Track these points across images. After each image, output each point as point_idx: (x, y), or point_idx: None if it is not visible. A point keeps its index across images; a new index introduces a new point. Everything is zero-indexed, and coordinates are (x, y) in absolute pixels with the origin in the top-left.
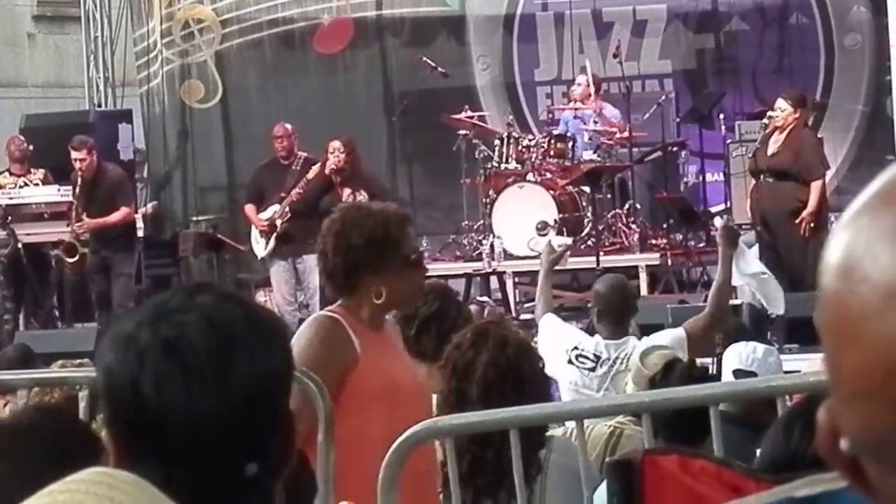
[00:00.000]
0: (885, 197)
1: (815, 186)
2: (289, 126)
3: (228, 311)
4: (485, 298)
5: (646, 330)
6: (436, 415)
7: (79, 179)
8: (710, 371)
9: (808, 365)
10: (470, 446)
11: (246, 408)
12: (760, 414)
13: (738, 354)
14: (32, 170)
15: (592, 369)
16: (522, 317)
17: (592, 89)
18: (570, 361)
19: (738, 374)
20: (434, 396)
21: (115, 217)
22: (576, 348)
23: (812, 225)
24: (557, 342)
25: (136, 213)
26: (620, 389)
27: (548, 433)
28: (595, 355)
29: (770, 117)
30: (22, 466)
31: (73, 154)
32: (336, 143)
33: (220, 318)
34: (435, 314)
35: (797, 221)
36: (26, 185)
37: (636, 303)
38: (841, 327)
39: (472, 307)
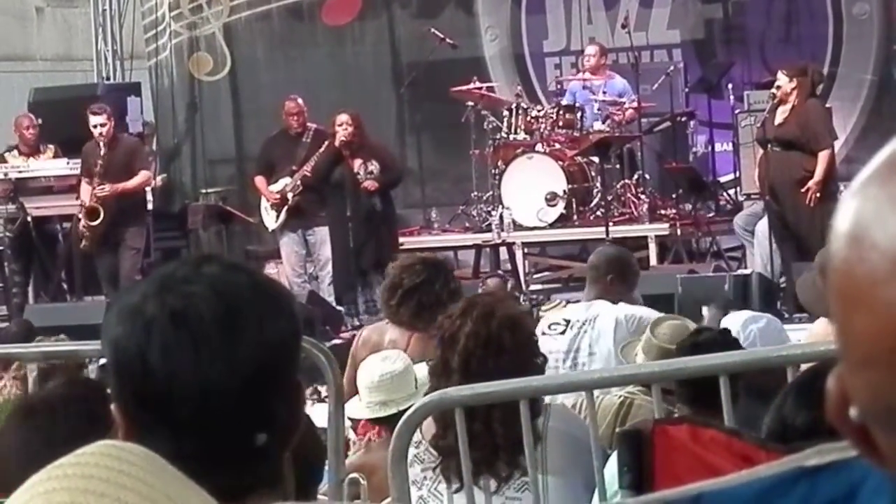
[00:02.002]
0: (893, 165)
1: (823, 156)
2: (300, 101)
3: (235, 280)
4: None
5: (656, 300)
6: (428, 385)
7: (99, 146)
8: None
9: (805, 336)
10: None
11: (254, 377)
12: (772, 383)
13: (737, 321)
14: (42, 147)
15: (562, 333)
16: (532, 287)
17: (604, 60)
18: (543, 333)
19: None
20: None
21: (135, 181)
22: (550, 322)
23: (819, 194)
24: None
25: (154, 178)
26: (583, 349)
27: (545, 401)
28: (565, 320)
29: (777, 86)
30: (52, 438)
31: (93, 119)
32: (343, 117)
33: (227, 287)
34: (418, 286)
35: (804, 191)
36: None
37: (634, 273)
38: (850, 294)
39: (493, 280)
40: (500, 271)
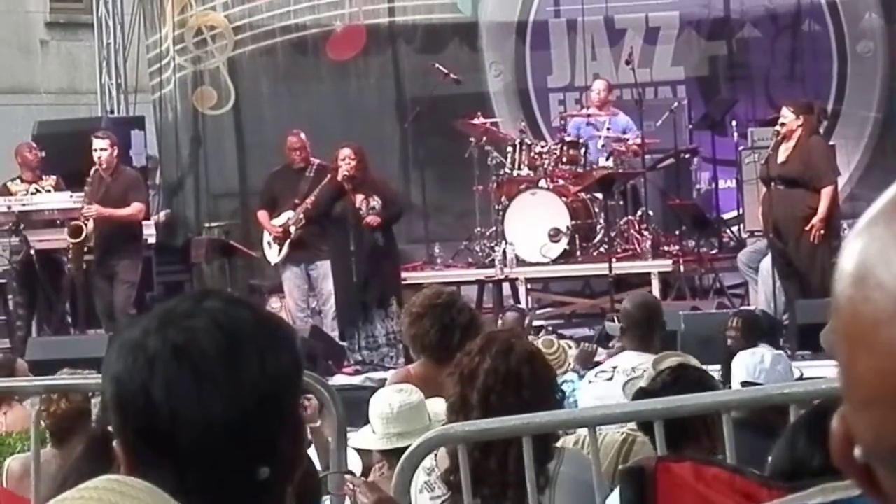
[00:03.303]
0: None
1: (826, 193)
2: (303, 135)
3: (236, 314)
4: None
5: None
6: (446, 421)
7: (98, 172)
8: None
9: (808, 373)
10: (472, 454)
11: (257, 411)
12: (773, 420)
13: (746, 366)
14: (44, 176)
15: (610, 378)
16: (535, 323)
17: (607, 96)
18: (590, 382)
19: (745, 385)
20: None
21: (124, 211)
22: (595, 368)
23: (822, 232)
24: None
25: (149, 216)
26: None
27: (558, 444)
28: (612, 366)
29: (782, 124)
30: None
31: (96, 143)
32: (346, 151)
33: (229, 322)
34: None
35: (807, 228)
36: (38, 191)
37: (662, 321)
38: (854, 334)
39: (511, 314)
40: (518, 305)
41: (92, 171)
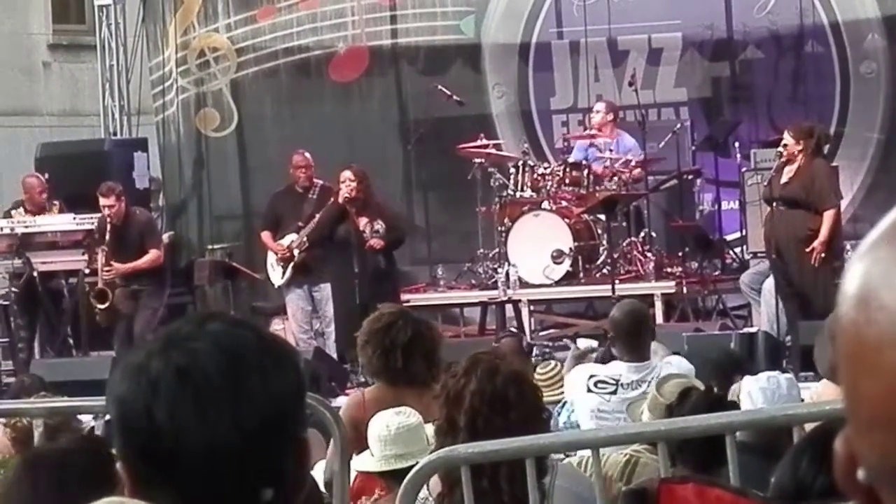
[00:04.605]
0: None
1: (828, 215)
2: (308, 155)
3: (239, 336)
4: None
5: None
6: (435, 444)
7: (107, 225)
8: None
9: (808, 394)
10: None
11: (260, 432)
12: (777, 442)
13: (763, 392)
14: (47, 205)
15: (613, 392)
16: (538, 345)
17: (611, 117)
18: (589, 390)
19: None
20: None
21: (144, 261)
22: (592, 376)
23: (823, 254)
24: (576, 379)
25: (165, 260)
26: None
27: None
28: (613, 379)
29: (784, 145)
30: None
31: (102, 201)
32: (347, 173)
33: (232, 343)
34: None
35: (808, 250)
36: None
37: (652, 326)
38: (858, 356)
39: (508, 339)
40: (513, 329)
41: (102, 221)
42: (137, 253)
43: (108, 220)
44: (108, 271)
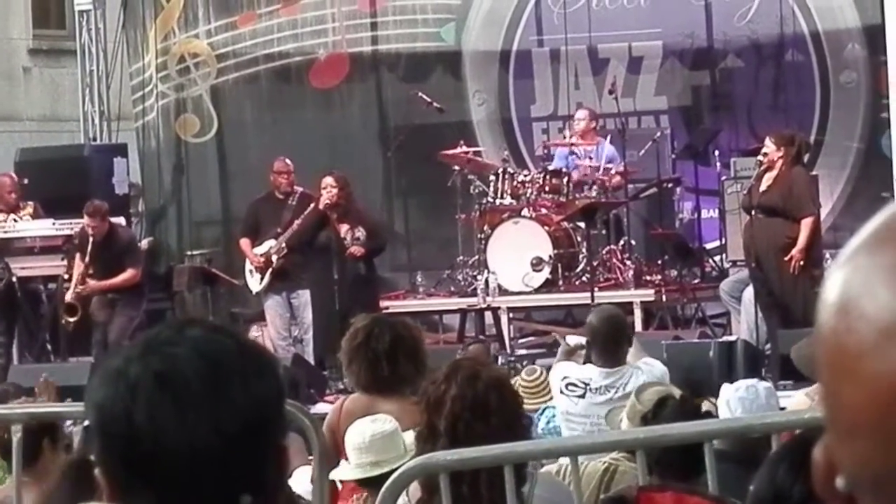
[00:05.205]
0: (881, 236)
1: (806, 223)
2: (289, 161)
3: (218, 342)
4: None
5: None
6: (415, 450)
7: (89, 239)
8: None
9: (790, 403)
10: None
11: (239, 437)
12: (755, 450)
13: (741, 401)
14: (21, 204)
15: (581, 396)
16: (517, 352)
17: (593, 125)
18: (561, 391)
19: None
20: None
21: (119, 279)
22: (565, 377)
23: (802, 262)
24: (554, 379)
25: (142, 281)
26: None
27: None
28: (583, 382)
29: (764, 154)
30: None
31: (86, 220)
32: (328, 179)
33: (211, 348)
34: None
35: (787, 258)
36: (17, 220)
37: (628, 333)
38: (838, 364)
39: (475, 346)
40: (481, 336)
41: (83, 236)
42: (115, 270)
43: (91, 236)
44: (82, 288)
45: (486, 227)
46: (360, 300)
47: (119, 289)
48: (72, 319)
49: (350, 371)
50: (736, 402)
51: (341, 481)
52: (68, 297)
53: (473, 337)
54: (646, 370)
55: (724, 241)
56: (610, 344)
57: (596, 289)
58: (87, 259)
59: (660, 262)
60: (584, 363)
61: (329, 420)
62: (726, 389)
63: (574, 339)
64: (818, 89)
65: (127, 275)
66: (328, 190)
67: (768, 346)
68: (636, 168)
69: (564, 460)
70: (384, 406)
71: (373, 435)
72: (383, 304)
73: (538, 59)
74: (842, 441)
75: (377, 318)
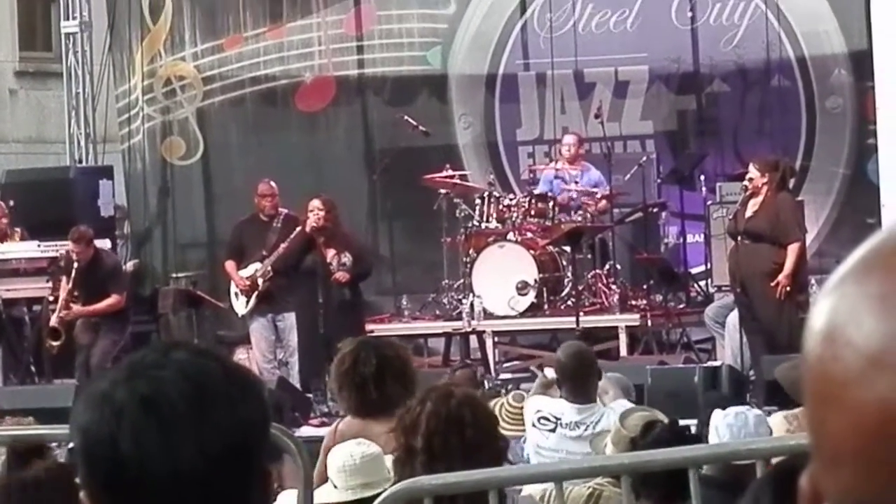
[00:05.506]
0: (868, 263)
1: (792, 249)
2: (273, 184)
3: (204, 365)
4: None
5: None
6: (394, 475)
7: (73, 264)
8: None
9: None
10: None
11: (225, 461)
12: (741, 476)
13: (730, 427)
14: (9, 231)
15: (552, 430)
16: (502, 376)
17: (581, 150)
18: (533, 424)
19: None
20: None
21: (103, 305)
22: (538, 411)
23: (788, 288)
24: (528, 412)
25: (127, 307)
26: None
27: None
28: (555, 417)
29: (750, 179)
30: None
31: (71, 245)
32: (316, 202)
33: (196, 372)
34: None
35: (773, 284)
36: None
37: (598, 368)
38: (824, 392)
39: (462, 371)
40: (468, 360)
41: (68, 261)
42: (100, 296)
43: (76, 262)
44: (66, 312)
45: (471, 251)
46: (346, 324)
47: (103, 314)
48: (55, 344)
49: (341, 397)
50: (724, 428)
51: None
52: (52, 321)
53: (459, 361)
54: (618, 410)
55: (709, 266)
56: (578, 380)
57: (581, 313)
58: (71, 284)
59: (645, 286)
60: (561, 397)
61: (326, 443)
62: (716, 415)
63: (552, 373)
64: (804, 114)
65: (111, 300)
66: (315, 213)
67: (752, 371)
68: (622, 192)
69: (549, 485)
70: (376, 428)
71: (362, 456)
72: (368, 327)
73: (524, 83)
74: (827, 469)
75: (363, 342)
